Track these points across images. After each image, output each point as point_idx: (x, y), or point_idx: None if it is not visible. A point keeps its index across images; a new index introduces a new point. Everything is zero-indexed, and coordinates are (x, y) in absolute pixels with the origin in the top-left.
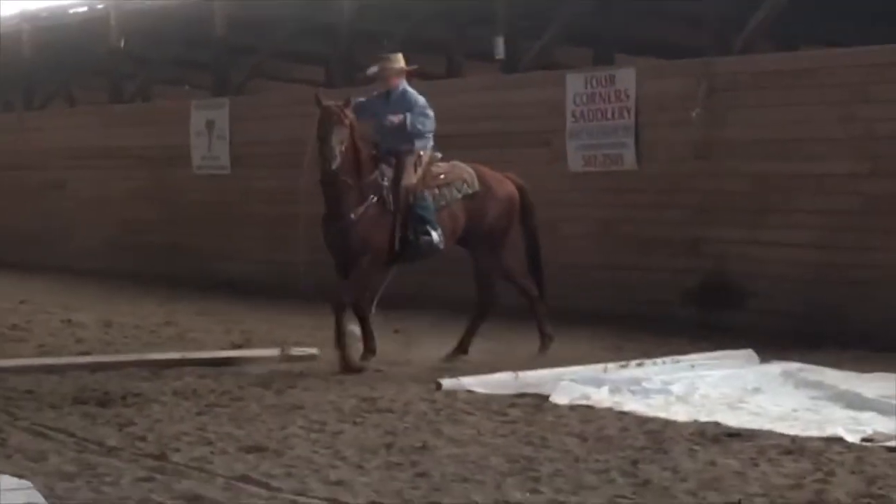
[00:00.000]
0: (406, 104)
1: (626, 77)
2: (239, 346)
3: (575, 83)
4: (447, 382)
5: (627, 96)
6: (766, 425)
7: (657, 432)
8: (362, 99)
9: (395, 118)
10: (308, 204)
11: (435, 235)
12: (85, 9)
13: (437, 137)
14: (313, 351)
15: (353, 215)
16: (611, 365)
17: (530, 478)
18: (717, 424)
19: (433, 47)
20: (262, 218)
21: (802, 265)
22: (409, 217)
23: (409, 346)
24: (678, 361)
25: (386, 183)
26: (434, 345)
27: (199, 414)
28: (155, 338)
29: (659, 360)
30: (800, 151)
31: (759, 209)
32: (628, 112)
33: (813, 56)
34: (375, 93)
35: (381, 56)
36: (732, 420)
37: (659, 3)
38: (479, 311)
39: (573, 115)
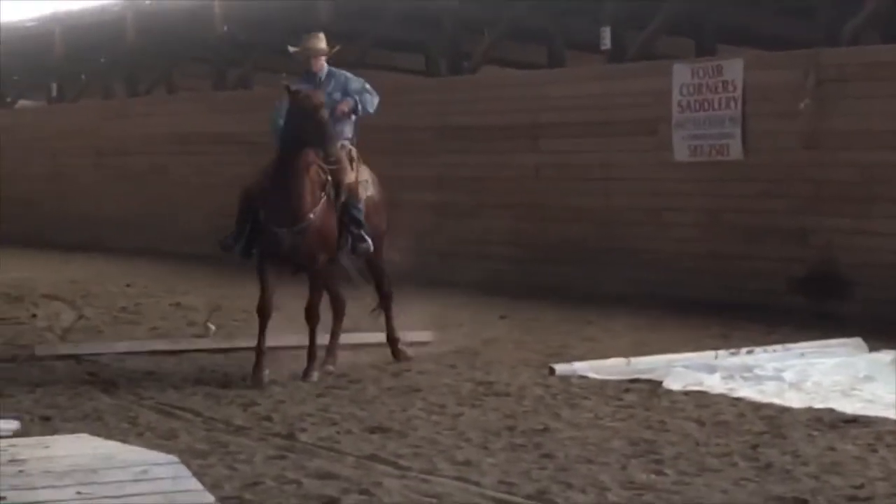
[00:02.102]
0: (339, 85)
1: (734, 68)
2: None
3: (682, 73)
4: (560, 368)
5: (734, 87)
6: (880, 412)
7: (774, 418)
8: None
9: (345, 106)
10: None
11: (369, 242)
12: None
13: (542, 125)
14: (427, 336)
15: (312, 215)
16: (721, 352)
17: (653, 460)
18: (832, 411)
19: (535, 37)
20: None
21: None
22: (346, 218)
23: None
24: (788, 349)
25: (329, 179)
26: (542, 330)
27: (319, 396)
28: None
29: (769, 348)
30: None
31: (866, 199)
32: (735, 102)
33: None
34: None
35: (305, 36)
36: (847, 407)
37: None
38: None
39: (679, 106)
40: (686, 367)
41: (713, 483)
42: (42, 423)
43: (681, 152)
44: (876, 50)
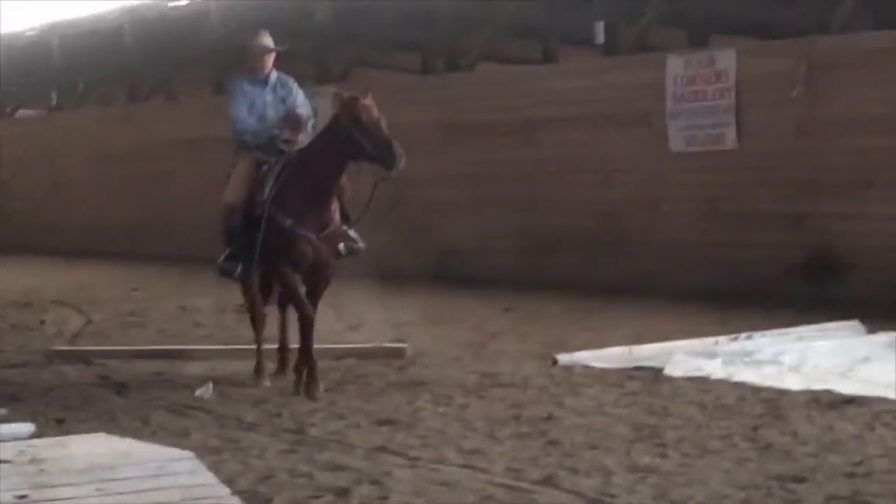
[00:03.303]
0: (288, 90)
1: (726, 58)
2: (354, 328)
3: (675, 65)
4: (563, 358)
5: (728, 77)
6: (878, 392)
7: (773, 400)
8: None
9: (303, 112)
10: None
11: (360, 242)
12: (186, 1)
13: (540, 120)
14: (404, 345)
15: (334, 221)
16: (721, 338)
17: (657, 444)
18: (830, 392)
19: (530, 33)
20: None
21: None
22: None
23: None
24: (786, 333)
25: None
26: (545, 322)
27: (326, 391)
28: (269, 322)
29: (768, 333)
30: None
31: (861, 184)
32: (729, 92)
33: None
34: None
35: (253, 33)
36: (845, 388)
37: None
38: None
39: (674, 97)
40: (687, 353)
41: (715, 464)
42: (57, 425)
43: (676, 143)
44: (867, 36)
